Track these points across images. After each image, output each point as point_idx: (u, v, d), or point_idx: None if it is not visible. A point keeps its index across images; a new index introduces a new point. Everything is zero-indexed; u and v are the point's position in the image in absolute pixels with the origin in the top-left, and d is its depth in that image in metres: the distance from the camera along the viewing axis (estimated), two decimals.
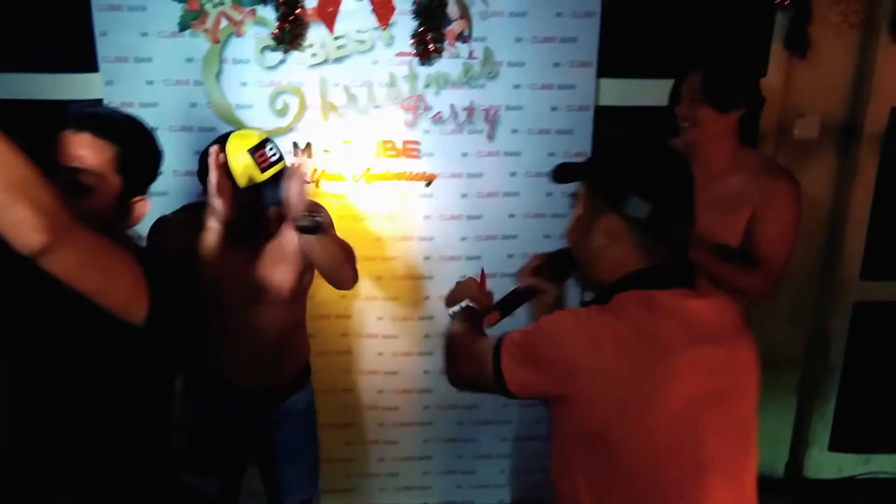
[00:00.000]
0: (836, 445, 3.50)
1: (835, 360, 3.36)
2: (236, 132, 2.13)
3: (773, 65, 2.88)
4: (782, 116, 2.95)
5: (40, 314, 1.44)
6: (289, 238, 2.17)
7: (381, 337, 3.05)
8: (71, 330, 1.44)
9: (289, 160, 2.67)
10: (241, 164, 2.02)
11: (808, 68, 2.88)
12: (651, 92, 2.82)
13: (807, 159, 3.05)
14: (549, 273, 1.63)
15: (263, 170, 2.04)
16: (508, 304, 1.70)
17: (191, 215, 2.13)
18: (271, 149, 2.08)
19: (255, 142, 2.05)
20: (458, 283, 1.82)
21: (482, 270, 1.89)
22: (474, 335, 1.61)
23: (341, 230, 2.79)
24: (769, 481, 3.54)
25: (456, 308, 1.75)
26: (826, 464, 3.52)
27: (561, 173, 1.52)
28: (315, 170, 2.78)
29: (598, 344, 1.30)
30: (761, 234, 2.34)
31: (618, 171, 1.41)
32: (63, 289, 1.33)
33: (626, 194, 1.34)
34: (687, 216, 1.41)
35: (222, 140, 2.09)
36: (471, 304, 1.72)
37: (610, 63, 2.79)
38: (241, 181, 2.03)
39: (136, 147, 1.54)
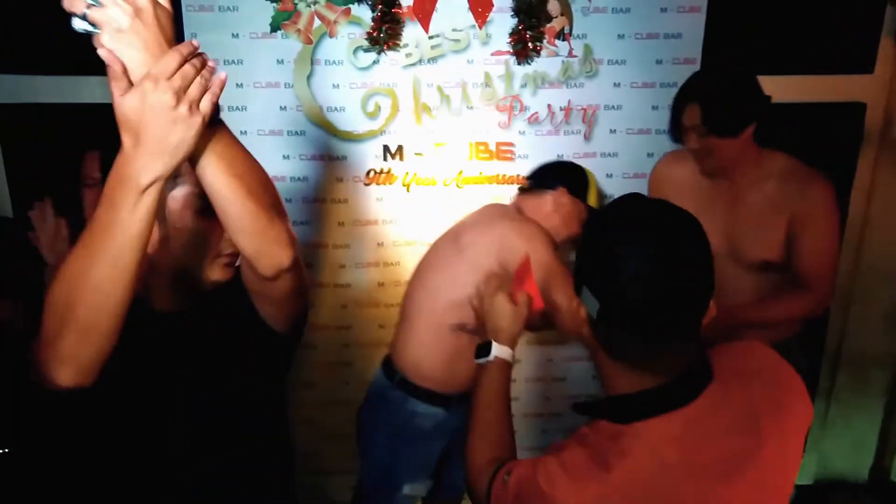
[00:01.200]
0: None
1: None
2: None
3: (882, 60, 2.76)
4: (887, 114, 2.84)
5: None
6: None
7: None
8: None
9: (378, 164, 2.63)
10: None
11: None
12: None
13: None
14: None
15: None
16: None
17: None
18: None
19: None
20: (497, 307, 1.61)
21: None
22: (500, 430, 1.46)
23: (433, 234, 2.72)
24: (853, 486, 3.46)
25: (494, 352, 1.55)
26: None
27: None
28: (407, 173, 2.68)
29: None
30: (804, 246, 2.18)
31: (579, 252, 1.16)
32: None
33: (579, 281, 1.13)
34: (670, 315, 1.07)
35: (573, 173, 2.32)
36: (509, 358, 1.55)
37: (711, 59, 2.68)
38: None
39: None
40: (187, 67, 0.95)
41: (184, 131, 0.97)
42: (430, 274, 2.28)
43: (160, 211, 1.24)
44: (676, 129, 2.27)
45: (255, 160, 1.14)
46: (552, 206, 2.26)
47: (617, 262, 1.05)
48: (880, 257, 3.06)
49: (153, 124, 0.94)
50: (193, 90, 0.96)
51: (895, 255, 3.06)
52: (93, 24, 0.91)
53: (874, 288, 3.12)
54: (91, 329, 1.01)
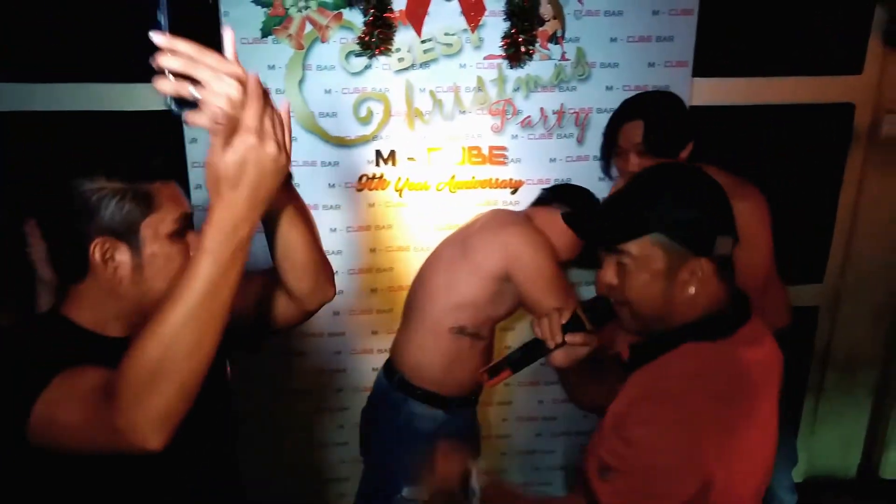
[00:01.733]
0: None
1: None
2: None
3: (870, 61, 2.78)
4: (875, 114, 2.86)
5: None
6: None
7: None
8: None
9: (371, 170, 2.65)
10: None
11: None
12: (744, 90, 2.74)
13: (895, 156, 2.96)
14: (589, 326, 1.41)
15: None
16: (524, 359, 1.45)
17: None
18: None
19: None
20: (440, 463, 1.61)
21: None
22: None
23: (425, 239, 2.70)
24: (842, 482, 3.50)
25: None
26: None
27: (613, 231, 1.33)
28: (399, 178, 2.66)
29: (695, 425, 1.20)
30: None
31: (704, 213, 1.29)
32: None
33: (714, 235, 1.27)
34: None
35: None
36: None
37: (702, 61, 2.68)
38: None
39: None
40: (271, 111, 0.98)
41: (280, 178, 1.00)
42: (432, 276, 2.27)
43: (134, 242, 1.23)
44: (609, 153, 2.31)
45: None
46: (567, 226, 2.24)
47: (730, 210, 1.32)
48: (868, 257, 3.09)
49: (257, 175, 0.97)
50: (281, 135, 0.99)
51: (883, 255, 3.10)
52: (192, 103, 0.93)
53: (862, 287, 3.15)
54: (188, 383, 1.01)
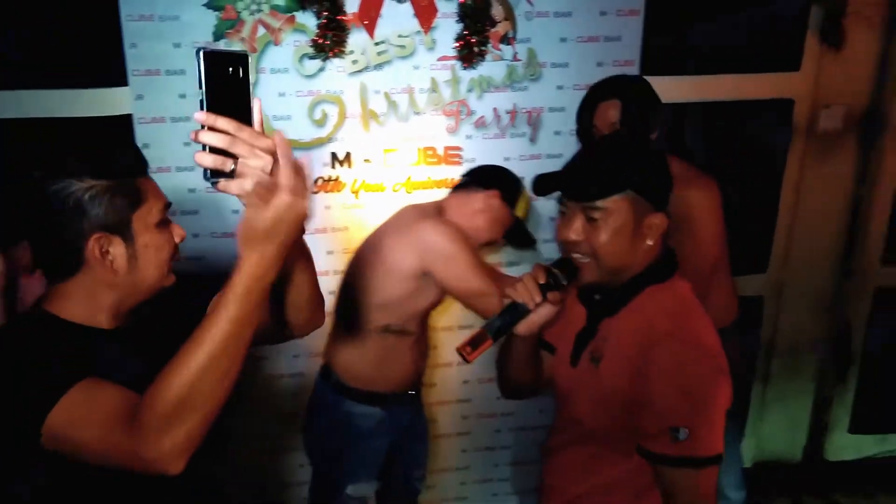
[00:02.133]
0: (855, 428, 3.57)
1: (856, 345, 3.41)
2: None
3: (807, 58, 2.89)
4: (813, 109, 2.97)
5: None
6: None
7: None
8: None
9: (326, 172, 2.65)
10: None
11: (838, 61, 2.90)
12: (689, 88, 2.81)
13: (832, 149, 3.07)
14: (564, 285, 1.45)
15: None
16: (504, 326, 1.46)
17: None
18: None
19: None
20: None
21: None
22: None
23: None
24: (787, 465, 3.60)
25: None
26: (846, 446, 3.59)
27: (596, 187, 1.40)
28: (355, 180, 2.66)
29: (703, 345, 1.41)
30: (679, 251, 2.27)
31: (663, 172, 1.45)
32: None
33: (668, 193, 1.44)
34: None
35: (508, 180, 2.37)
36: None
37: (648, 60, 2.75)
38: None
39: None
40: (296, 166, 1.04)
41: (302, 228, 1.09)
42: (354, 277, 2.32)
43: (128, 235, 1.27)
44: (585, 135, 2.34)
45: None
46: (481, 206, 2.31)
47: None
48: (809, 247, 3.20)
49: (288, 228, 1.05)
50: (304, 187, 1.06)
51: (822, 246, 3.21)
52: (226, 173, 0.99)
53: (803, 277, 3.26)
54: (212, 413, 1.09)
